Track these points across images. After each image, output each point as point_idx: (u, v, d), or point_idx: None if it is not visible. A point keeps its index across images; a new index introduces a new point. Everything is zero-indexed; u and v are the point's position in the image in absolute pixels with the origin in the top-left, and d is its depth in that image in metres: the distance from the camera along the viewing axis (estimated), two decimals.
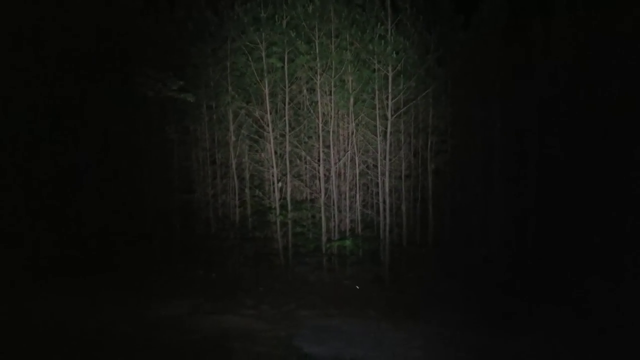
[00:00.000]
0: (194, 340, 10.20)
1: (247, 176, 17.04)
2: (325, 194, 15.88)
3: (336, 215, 15.97)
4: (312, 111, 16.07)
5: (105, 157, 17.26)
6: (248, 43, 15.38)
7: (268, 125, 15.76)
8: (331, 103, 15.67)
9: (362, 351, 9.69)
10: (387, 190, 15.45)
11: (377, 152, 15.53)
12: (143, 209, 17.68)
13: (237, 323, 11.42)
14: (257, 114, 16.11)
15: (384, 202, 15.54)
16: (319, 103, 15.57)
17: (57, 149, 15.92)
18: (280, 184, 16.31)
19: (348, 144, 16.21)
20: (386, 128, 15.20)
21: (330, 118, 15.68)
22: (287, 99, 15.74)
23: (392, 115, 15.14)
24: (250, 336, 10.48)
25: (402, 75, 15.29)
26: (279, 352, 9.65)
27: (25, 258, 14.21)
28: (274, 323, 11.42)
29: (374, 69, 15.18)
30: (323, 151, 15.87)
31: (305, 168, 17.12)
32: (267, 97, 15.57)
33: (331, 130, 15.66)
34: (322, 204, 15.75)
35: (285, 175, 16.09)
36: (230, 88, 16.09)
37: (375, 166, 15.89)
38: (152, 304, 12.46)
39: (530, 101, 16.08)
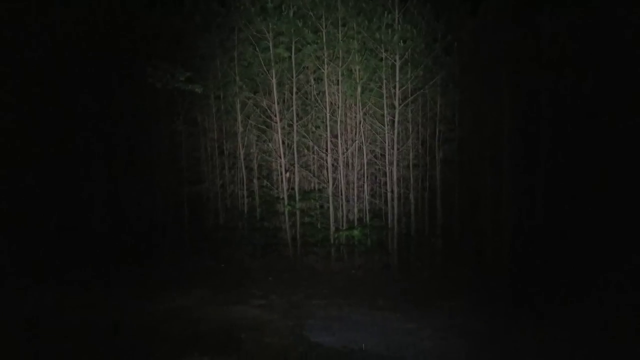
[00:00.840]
0: (203, 331, 10.30)
1: (255, 166, 17.10)
2: (333, 183, 15.89)
3: (344, 205, 15.98)
4: (319, 101, 16.03)
5: (115, 149, 17.35)
6: (255, 33, 15.35)
7: (276, 116, 15.76)
8: (338, 92, 15.62)
9: (372, 341, 9.74)
10: (395, 179, 15.44)
11: (385, 142, 15.48)
12: (152, 200, 17.81)
13: (246, 313, 11.52)
14: (264, 104, 16.11)
15: (392, 191, 15.53)
16: (327, 93, 15.53)
17: (65, 141, 15.96)
18: (288, 174, 16.33)
19: (356, 134, 16.17)
20: (394, 117, 15.14)
21: (338, 107, 15.64)
22: (294, 89, 15.71)
23: (399, 104, 15.06)
24: (259, 326, 10.57)
25: (409, 64, 15.18)
26: (288, 342, 9.73)
27: (34, 253, 14.26)
28: (283, 313, 11.49)
29: (382, 58, 15.08)
30: (331, 141, 15.85)
31: (313, 158, 17.13)
32: (274, 87, 15.55)
33: (339, 119, 15.63)
34: (330, 194, 15.77)
35: (293, 165, 16.11)
36: (237, 78, 16.08)
37: (383, 155, 15.84)
38: (162, 295, 12.58)
39: (541, 90, 15.86)
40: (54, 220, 15.34)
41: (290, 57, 15.42)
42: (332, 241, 15.63)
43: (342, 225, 15.84)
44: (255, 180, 16.99)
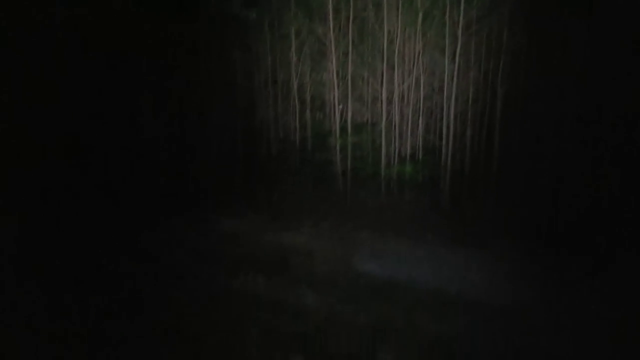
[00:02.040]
0: (256, 254, 10.67)
1: (308, 98, 16.85)
2: (387, 117, 15.48)
3: (397, 140, 15.63)
4: (377, 29, 15.30)
5: (169, 78, 17.44)
6: None
7: (330, 43, 15.23)
8: (398, 21, 14.82)
9: (418, 273, 9.78)
10: (452, 115, 14.82)
11: (445, 74, 14.74)
12: (206, 129, 18.02)
13: (296, 240, 11.79)
14: (319, 31, 15.58)
15: (448, 127, 14.97)
16: (385, 20, 14.75)
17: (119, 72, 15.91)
18: (341, 107, 16.03)
19: (413, 65, 15.47)
20: (456, 48, 14.28)
21: (396, 37, 14.90)
22: (351, 16, 15.02)
23: (462, 35, 14.15)
24: (309, 253, 10.82)
25: None
26: (337, 269, 9.93)
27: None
28: (332, 242, 11.68)
29: None
30: (387, 72, 15.27)
31: (367, 90, 16.64)
32: (330, 14, 14.92)
33: (396, 49, 14.94)
34: (382, 128, 15.41)
35: (347, 97, 15.74)
36: (292, 4, 15.53)
37: (442, 89, 15.15)
38: (216, 221, 13.02)
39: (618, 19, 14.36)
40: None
41: None
42: (382, 176, 15.46)
43: (394, 161, 15.57)
44: (307, 112, 16.83)
